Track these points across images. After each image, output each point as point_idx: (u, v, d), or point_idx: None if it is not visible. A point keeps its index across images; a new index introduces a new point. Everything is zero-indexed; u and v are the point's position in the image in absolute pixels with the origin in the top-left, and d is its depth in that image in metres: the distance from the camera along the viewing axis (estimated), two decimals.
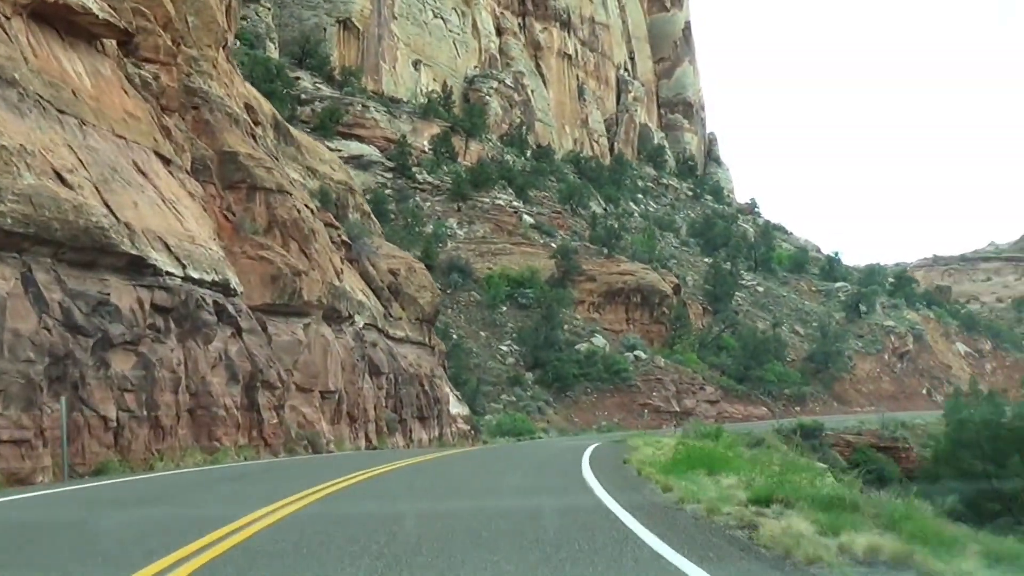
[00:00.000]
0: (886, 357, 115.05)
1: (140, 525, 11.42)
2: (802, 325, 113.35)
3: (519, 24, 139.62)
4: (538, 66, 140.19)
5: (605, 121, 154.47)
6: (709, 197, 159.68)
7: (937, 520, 12.27)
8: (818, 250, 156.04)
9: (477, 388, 69.05)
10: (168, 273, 25.57)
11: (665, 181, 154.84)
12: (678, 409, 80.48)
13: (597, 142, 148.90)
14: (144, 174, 27.33)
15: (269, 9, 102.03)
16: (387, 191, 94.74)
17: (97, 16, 27.75)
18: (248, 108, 39.70)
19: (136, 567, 8.25)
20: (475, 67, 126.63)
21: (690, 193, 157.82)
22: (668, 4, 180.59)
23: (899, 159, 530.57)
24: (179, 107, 33.40)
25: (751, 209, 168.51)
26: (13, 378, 19.22)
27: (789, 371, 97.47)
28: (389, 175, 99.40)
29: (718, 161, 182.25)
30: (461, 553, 8.74)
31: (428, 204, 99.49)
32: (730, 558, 8.47)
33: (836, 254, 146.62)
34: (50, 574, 8.28)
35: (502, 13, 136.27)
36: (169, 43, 33.28)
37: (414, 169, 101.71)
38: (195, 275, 27.04)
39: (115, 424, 22.39)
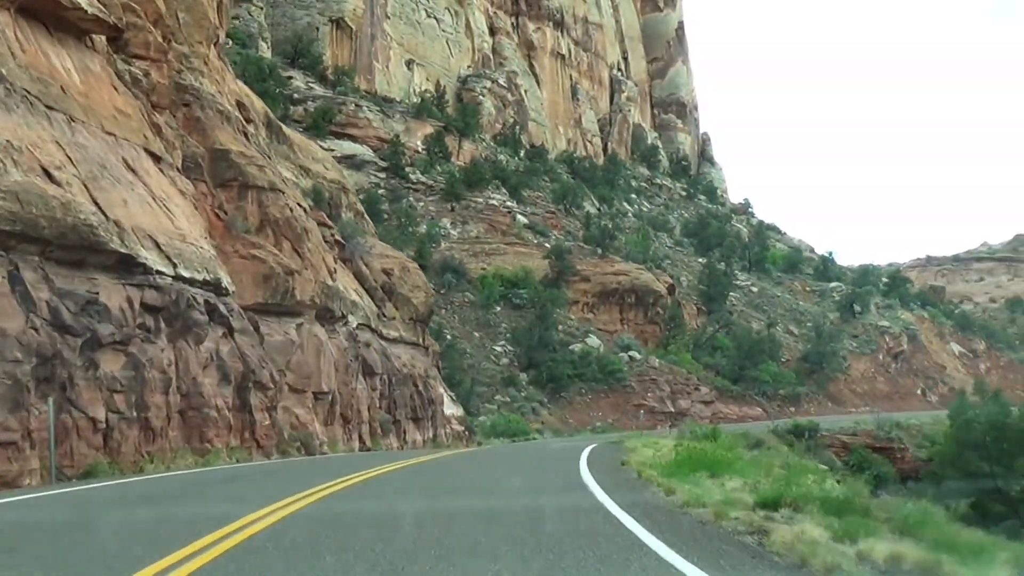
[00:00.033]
0: (880, 357, 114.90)
1: (126, 529, 11.04)
2: (796, 325, 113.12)
3: (512, 24, 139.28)
4: (531, 66, 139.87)
5: (599, 121, 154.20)
6: (703, 197, 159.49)
7: (953, 526, 11.92)
8: (812, 250, 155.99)
9: (471, 389, 68.67)
10: (158, 272, 25.15)
11: (659, 181, 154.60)
12: (673, 410, 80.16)
13: (591, 142, 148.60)
14: (134, 171, 26.91)
15: (261, 8, 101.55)
16: (380, 191, 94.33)
17: (86, 11, 27.33)
18: (240, 106, 39.27)
19: (120, 574, 7.88)
20: (468, 67, 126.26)
21: (684, 193, 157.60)
22: (661, 4, 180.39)
23: (892, 159, 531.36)
24: (170, 104, 32.96)
25: (745, 209, 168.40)
26: None
27: (784, 371, 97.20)
28: (382, 175, 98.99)
29: (711, 161, 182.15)
30: (461, 561, 8.38)
31: (421, 204, 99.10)
32: (742, 566, 8.11)
33: (830, 254, 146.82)
34: None
35: (495, 13, 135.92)
36: (160, 39, 32.85)
37: (407, 169, 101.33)
38: (186, 274, 26.62)
39: (104, 426, 21.96)
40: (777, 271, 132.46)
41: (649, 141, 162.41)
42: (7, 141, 20.93)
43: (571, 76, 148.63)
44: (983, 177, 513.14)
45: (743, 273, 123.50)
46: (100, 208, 23.39)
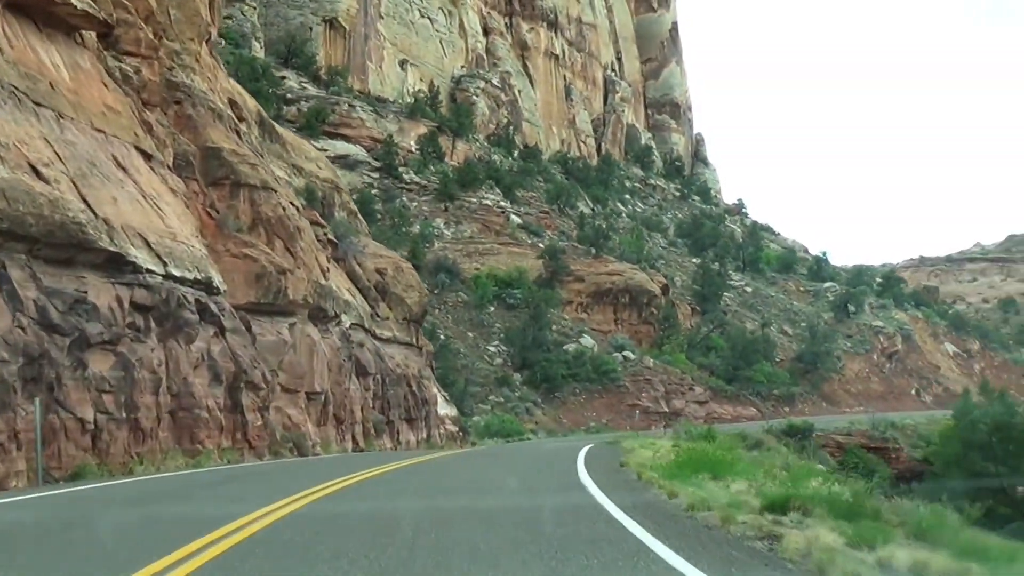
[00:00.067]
0: (875, 357, 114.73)
1: (111, 534, 10.66)
2: (791, 325, 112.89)
3: (506, 24, 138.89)
4: (525, 66, 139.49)
5: (592, 121, 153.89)
6: (696, 198, 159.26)
7: (970, 530, 11.57)
8: (806, 250, 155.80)
9: (465, 389, 68.32)
10: (148, 271, 24.75)
11: (652, 182, 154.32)
12: (667, 410, 79.90)
13: (584, 142, 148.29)
14: (124, 169, 26.52)
15: (255, 8, 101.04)
16: (374, 191, 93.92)
17: (76, 7, 26.92)
18: (232, 104, 38.86)
19: None
20: (462, 67, 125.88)
21: (677, 193, 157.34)
22: (655, 5, 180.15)
23: (885, 160, 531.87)
24: (161, 101, 32.58)
25: (738, 210, 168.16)
26: None
27: (778, 371, 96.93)
28: (376, 175, 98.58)
29: (705, 162, 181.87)
30: (460, 567, 8.04)
31: (415, 204, 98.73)
32: (755, 575, 7.75)
33: (824, 254, 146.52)
34: None
35: (489, 13, 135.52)
36: (151, 36, 32.47)
37: (401, 169, 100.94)
38: (176, 273, 26.23)
39: (93, 426, 21.57)
40: (771, 271, 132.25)
41: (643, 141, 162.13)
42: None
43: (565, 76, 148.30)
44: (976, 178, 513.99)
45: (737, 273, 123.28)
46: (89, 206, 23.00)
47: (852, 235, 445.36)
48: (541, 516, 11.36)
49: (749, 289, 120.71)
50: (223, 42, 79.36)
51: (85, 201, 22.94)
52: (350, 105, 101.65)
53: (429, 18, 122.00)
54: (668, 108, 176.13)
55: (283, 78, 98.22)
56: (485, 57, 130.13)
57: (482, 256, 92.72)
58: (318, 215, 43.93)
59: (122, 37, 31.11)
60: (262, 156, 39.59)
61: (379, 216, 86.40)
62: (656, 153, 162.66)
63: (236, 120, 37.76)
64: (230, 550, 8.99)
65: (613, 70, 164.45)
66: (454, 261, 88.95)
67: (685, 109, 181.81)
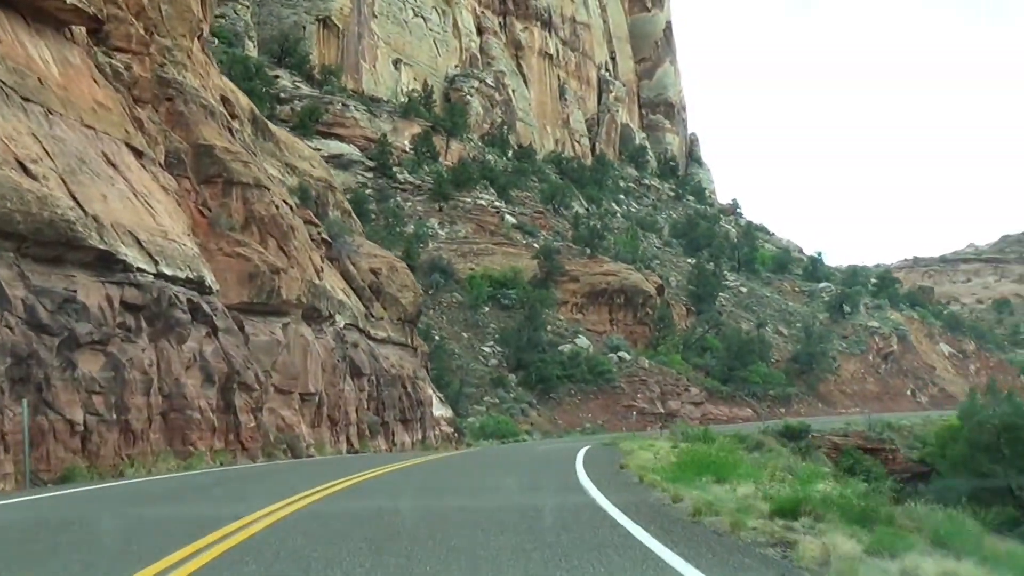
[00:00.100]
0: (870, 358, 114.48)
1: (95, 540, 10.26)
2: (786, 326, 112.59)
3: (500, 23, 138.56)
4: (519, 66, 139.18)
5: (586, 121, 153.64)
6: (691, 198, 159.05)
7: (990, 536, 11.21)
8: (800, 251, 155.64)
9: (460, 390, 67.92)
10: (139, 269, 24.33)
11: (647, 181, 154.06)
12: (662, 411, 79.56)
13: (579, 142, 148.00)
14: (114, 166, 26.10)
15: (248, 7, 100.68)
16: (367, 191, 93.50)
17: (65, 2, 26.52)
18: (224, 101, 38.43)
19: None
20: (456, 66, 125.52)
21: (672, 193, 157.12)
22: (649, 4, 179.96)
23: (878, 160, 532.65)
24: (152, 98, 32.14)
25: (733, 210, 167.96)
26: None
27: (774, 372, 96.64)
28: (369, 175, 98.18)
29: (699, 162, 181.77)
30: None
31: (409, 204, 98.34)
32: None
33: (819, 255, 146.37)
34: None
35: (483, 12, 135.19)
36: (142, 32, 32.06)
37: (395, 169, 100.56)
38: (168, 272, 25.81)
39: (82, 428, 21.16)
40: (766, 271, 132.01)
41: (637, 141, 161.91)
42: None
43: (559, 76, 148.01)
44: (969, 178, 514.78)
45: (732, 273, 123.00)
46: (78, 203, 22.59)
47: (846, 235, 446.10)
48: (543, 521, 10.96)
49: (744, 289, 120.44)
50: (216, 41, 79.00)
51: (74, 198, 22.54)
52: (344, 105, 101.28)
53: (423, 17, 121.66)
54: (662, 108, 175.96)
55: (276, 77, 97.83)
56: (479, 56, 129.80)
57: (477, 256, 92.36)
58: (312, 214, 43.54)
59: (113, 33, 30.71)
60: (255, 154, 39.16)
61: (373, 216, 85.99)
62: (650, 153, 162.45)
63: (228, 117, 37.33)
64: (218, 558, 8.60)
65: (607, 70, 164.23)
66: (448, 261, 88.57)
67: (679, 109, 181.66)
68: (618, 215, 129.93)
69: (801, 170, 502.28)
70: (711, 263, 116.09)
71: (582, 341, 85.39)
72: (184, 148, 32.61)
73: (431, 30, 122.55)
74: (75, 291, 21.66)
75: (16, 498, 15.79)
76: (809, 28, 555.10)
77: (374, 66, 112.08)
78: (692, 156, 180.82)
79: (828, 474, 19.21)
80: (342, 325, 40.74)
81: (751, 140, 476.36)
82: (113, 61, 30.34)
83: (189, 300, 26.71)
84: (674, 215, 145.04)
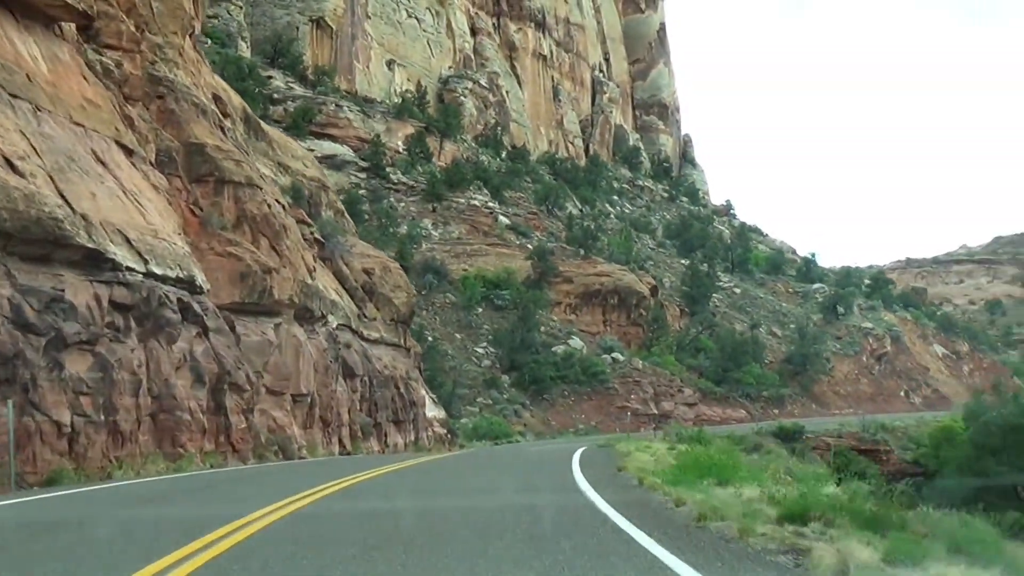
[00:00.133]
0: (864, 359, 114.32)
1: (77, 547, 9.89)
2: (780, 327, 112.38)
3: (494, 24, 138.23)
4: (513, 67, 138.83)
5: (580, 122, 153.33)
6: (685, 199, 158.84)
7: (1010, 543, 10.86)
8: (794, 252, 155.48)
9: (453, 391, 67.57)
10: (128, 268, 23.94)
11: (640, 183, 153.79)
12: (656, 412, 79.30)
13: (572, 143, 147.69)
14: (104, 164, 25.71)
15: (241, 7, 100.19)
16: (361, 191, 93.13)
17: None
18: (216, 99, 38.03)
19: None
20: (449, 67, 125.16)
21: (665, 195, 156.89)
22: (643, 5, 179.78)
23: (870, 161, 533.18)
24: (143, 96, 31.75)
25: (727, 211, 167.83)
26: None
27: (767, 373, 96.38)
28: (363, 175, 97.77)
29: (693, 163, 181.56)
30: None
31: (402, 205, 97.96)
32: None
33: (813, 256, 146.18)
34: None
35: (476, 13, 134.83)
36: (132, 29, 31.67)
37: (388, 169, 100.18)
38: (158, 271, 25.42)
39: (69, 430, 20.78)
40: (760, 272, 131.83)
41: (631, 142, 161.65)
42: None
43: (553, 77, 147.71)
44: (961, 179, 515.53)
45: (726, 274, 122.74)
46: (66, 201, 22.21)
47: (838, 237, 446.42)
48: (542, 527, 10.59)
49: (738, 290, 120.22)
50: (208, 41, 78.57)
51: (62, 196, 22.16)
52: (337, 105, 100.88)
53: (416, 18, 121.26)
54: (656, 109, 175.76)
55: (270, 78, 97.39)
56: (473, 57, 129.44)
57: (470, 257, 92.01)
58: (304, 214, 43.14)
59: (103, 30, 30.32)
60: (247, 153, 38.77)
61: (366, 217, 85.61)
62: (644, 154, 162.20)
63: (220, 116, 36.94)
64: (204, 566, 8.24)
65: (601, 71, 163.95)
66: (442, 262, 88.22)
67: (673, 110, 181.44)
68: (612, 216, 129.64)
69: (794, 171, 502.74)
70: (705, 264, 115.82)
71: (575, 342, 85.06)
72: (175, 146, 32.22)
73: (425, 31, 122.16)
74: (63, 290, 21.29)
75: (1, 501, 15.42)
76: (804, 29, 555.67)
77: (367, 67, 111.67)
78: (686, 157, 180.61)
79: (827, 476, 18.85)
80: (335, 325, 40.36)
81: (744, 141, 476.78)
82: (103, 58, 29.96)
83: (179, 300, 26.33)
84: (668, 216, 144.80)
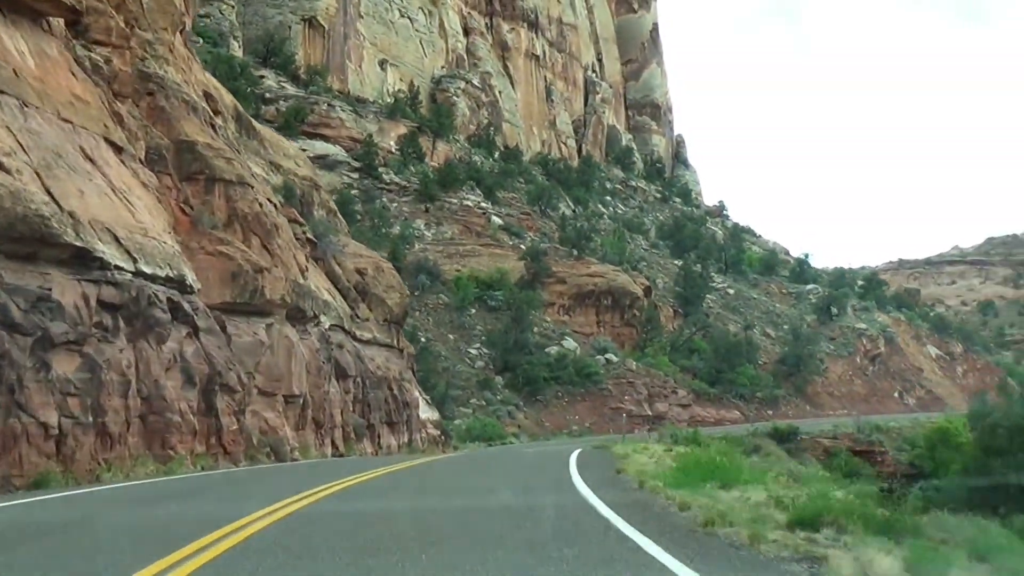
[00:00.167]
0: (858, 360, 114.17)
1: (48, 558, 9.48)
2: (773, 328, 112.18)
3: (486, 24, 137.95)
4: (506, 67, 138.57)
5: (573, 123, 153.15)
6: (677, 199, 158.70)
7: None
8: (787, 253, 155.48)
9: (446, 392, 67.17)
10: (117, 267, 23.49)
11: (633, 183, 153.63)
12: (650, 413, 78.96)
13: (565, 143, 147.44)
14: (92, 161, 25.28)
15: (233, 7, 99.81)
16: (353, 191, 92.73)
17: None
18: (207, 97, 37.59)
19: None
20: (442, 67, 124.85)
21: (658, 195, 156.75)
22: (635, 6, 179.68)
23: (862, 163, 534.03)
24: (132, 93, 31.29)
25: (720, 211, 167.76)
26: None
27: (761, 374, 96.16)
28: (355, 175, 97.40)
29: (686, 163, 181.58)
30: None
31: (395, 205, 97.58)
32: None
33: (806, 256, 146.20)
34: None
35: (469, 13, 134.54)
36: (122, 25, 31.24)
37: (381, 169, 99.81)
38: (147, 270, 24.98)
39: (57, 432, 20.34)
40: (753, 273, 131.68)
41: (623, 143, 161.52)
42: None
43: (545, 77, 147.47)
44: (954, 180, 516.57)
45: (719, 275, 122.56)
46: (54, 198, 21.78)
47: (831, 238, 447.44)
48: (543, 533, 10.19)
49: (731, 291, 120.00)
50: (200, 41, 78.16)
51: (49, 193, 21.74)
52: (329, 105, 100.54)
53: (409, 18, 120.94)
54: (648, 109, 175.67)
55: (262, 77, 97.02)
56: (465, 57, 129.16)
57: (463, 257, 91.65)
58: (296, 213, 42.72)
59: (92, 25, 29.88)
60: (238, 151, 38.32)
61: (359, 217, 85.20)
62: (637, 155, 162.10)
63: (211, 114, 36.50)
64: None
65: (594, 71, 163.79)
66: (435, 262, 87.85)
67: (665, 110, 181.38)
68: (605, 217, 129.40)
69: (787, 172, 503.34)
70: (698, 265, 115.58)
71: (569, 343, 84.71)
72: (165, 144, 31.77)
73: (417, 31, 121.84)
74: (50, 289, 20.86)
75: None
76: (796, 30, 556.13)
77: (360, 66, 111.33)
78: (678, 158, 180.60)
79: (832, 478, 18.50)
80: (327, 326, 39.95)
81: (737, 142, 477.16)
82: (92, 54, 29.52)
83: (169, 299, 25.90)
84: (661, 217, 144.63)
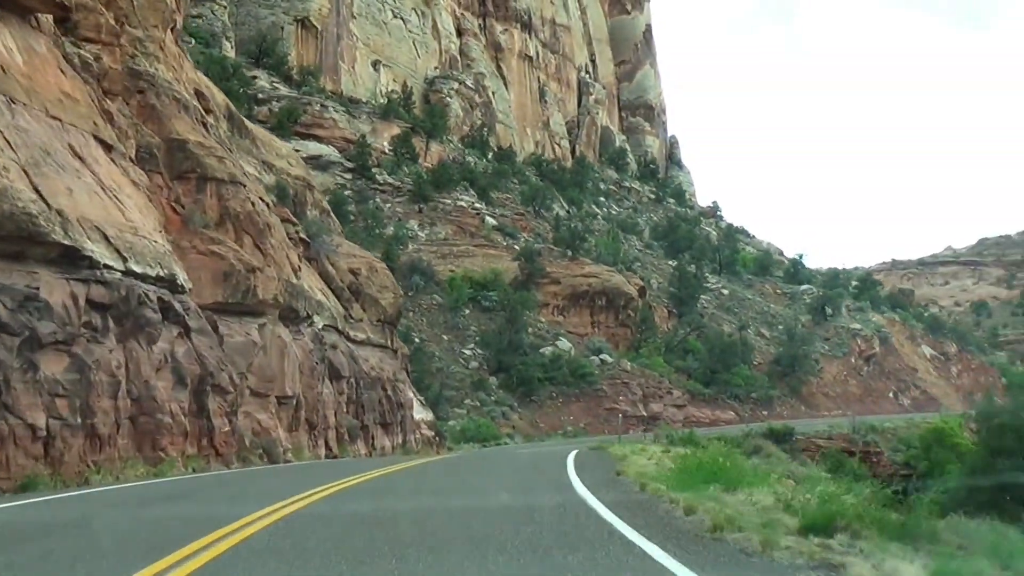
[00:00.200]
0: (852, 360, 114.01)
1: (32, 566, 9.12)
2: (768, 328, 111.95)
3: (480, 25, 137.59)
4: (499, 68, 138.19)
5: (566, 123, 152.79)
6: (671, 200, 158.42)
7: None
8: (781, 253, 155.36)
9: (440, 393, 66.84)
10: (107, 266, 23.12)
11: (627, 184, 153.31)
12: (645, 413, 78.74)
13: (559, 144, 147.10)
14: (81, 159, 24.89)
15: (225, 7, 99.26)
16: (346, 192, 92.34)
17: None
18: (199, 95, 37.20)
19: None
20: (435, 68, 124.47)
21: (652, 196, 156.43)
22: (629, 7, 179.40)
23: (856, 163, 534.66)
24: (123, 91, 30.90)
25: (713, 212, 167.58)
26: None
27: (756, 374, 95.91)
28: (348, 176, 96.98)
29: (679, 164, 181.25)
30: None
31: (388, 205, 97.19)
32: None
33: (800, 257, 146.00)
34: None
35: (462, 14, 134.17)
36: (112, 22, 30.81)
37: (374, 170, 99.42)
38: (137, 269, 24.60)
39: (45, 433, 19.96)
40: (747, 274, 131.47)
41: (617, 144, 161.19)
42: None
43: (539, 78, 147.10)
44: (947, 181, 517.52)
45: (713, 276, 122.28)
46: (42, 196, 21.41)
47: (824, 238, 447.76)
48: (545, 538, 9.83)
49: (726, 292, 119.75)
50: (192, 41, 77.71)
51: (37, 191, 21.36)
52: (322, 105, 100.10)
53: (402, 19, 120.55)
54: (642, 110, 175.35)
55: (254, 78, 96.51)
56: (459, 58, 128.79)
57: (457, 258, 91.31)
58: (289, 212, 42.33)
59: (81, 22, 29.46)
60: (230, 150, 37.92)
61: (352, 217, 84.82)
62: (630, 155, 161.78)
63: (203, 112, 36.11)
64: None
65: (587, 72, 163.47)
66: (428, 263, 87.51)
67: (659, 111, 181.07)
68: (599, 217, 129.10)
69: (780, 173, 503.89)
70: (692, 265, 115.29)
71: (563, 343, 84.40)
72: (156, 142, 31.40)
73: (410, 31, 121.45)
74: (37, 288, 20.48)
75: None
76: (790, 30, 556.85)
77: (353, 67, 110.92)
78: (672, 159, 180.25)
79: (829, 479, 18.18)
80: (320, 326, 39.58)
81: (731, 143, 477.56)
82: (81, 51, 29.11)
83: (160, 299, 25.52)
84: (655, 217, 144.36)
